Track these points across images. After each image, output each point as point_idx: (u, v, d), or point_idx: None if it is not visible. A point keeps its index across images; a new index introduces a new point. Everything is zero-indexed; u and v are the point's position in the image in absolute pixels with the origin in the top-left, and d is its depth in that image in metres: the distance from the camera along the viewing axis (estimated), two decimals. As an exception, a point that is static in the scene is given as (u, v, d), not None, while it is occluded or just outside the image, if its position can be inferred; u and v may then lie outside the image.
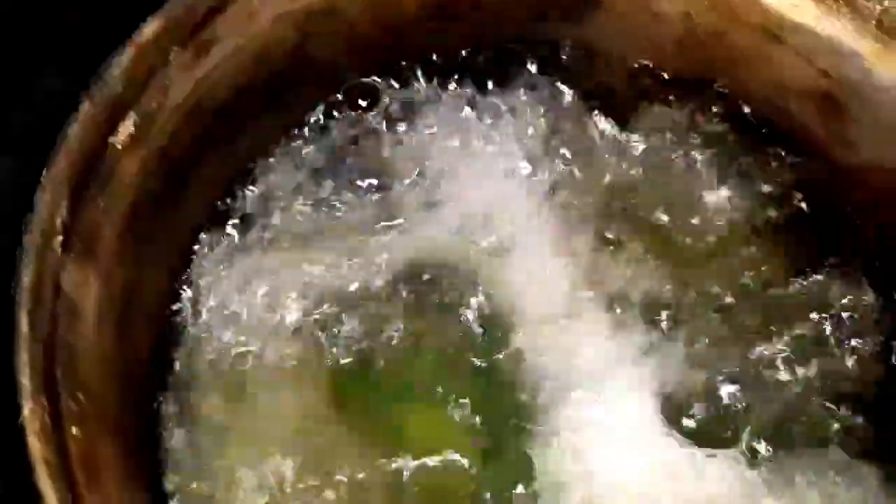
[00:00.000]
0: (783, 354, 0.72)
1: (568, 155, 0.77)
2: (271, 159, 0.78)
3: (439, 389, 0.71)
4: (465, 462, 0.69)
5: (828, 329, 0.72)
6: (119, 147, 0.65)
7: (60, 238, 0.61)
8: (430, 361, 0.72)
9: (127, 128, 0.65)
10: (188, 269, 0.75)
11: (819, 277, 0.74)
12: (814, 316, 0.73)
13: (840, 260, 0.74)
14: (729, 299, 0.73)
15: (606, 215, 0.76)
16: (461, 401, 0.70)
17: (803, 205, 0.77)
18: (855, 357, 0.72)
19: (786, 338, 0.72)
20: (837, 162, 0.75)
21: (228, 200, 0.76)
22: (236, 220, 0.76)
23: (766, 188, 0.77)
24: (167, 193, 0.70)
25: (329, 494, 0.68)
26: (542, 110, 0.78)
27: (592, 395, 0.70)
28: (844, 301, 0.73)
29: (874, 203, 0.74)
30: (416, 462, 0.68)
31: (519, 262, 0.74)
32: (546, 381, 0.70)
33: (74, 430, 0.59)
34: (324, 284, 0.75)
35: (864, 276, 0.74)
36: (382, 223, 0.76)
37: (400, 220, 0.76)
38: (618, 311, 0.73)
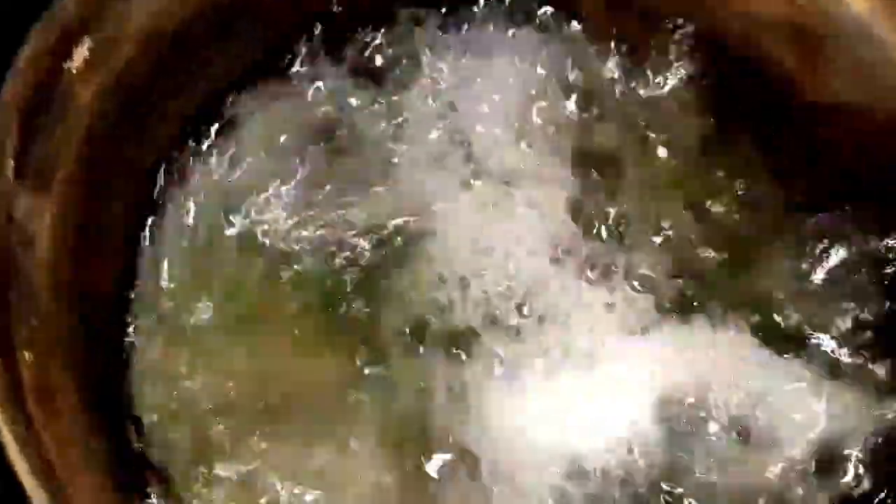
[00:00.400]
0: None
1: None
2: (242, 94, 0.76)
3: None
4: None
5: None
6: (74, 72, 0.64)
7: (12, 164, 0.61)
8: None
9: (82, 53, 0.64)
10: (154, 202, 0.74)
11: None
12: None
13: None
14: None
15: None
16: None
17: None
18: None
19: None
20: (808, 100, 0.74)
21: (196, 134, 0.75)
22: (205, 154, 0.75)
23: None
24: (127, 124, 0.69)
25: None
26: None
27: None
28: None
29: (838, 143, 0.74)
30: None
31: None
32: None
33: (27, 354, 0.58)
34: (292, 222, 0.74)
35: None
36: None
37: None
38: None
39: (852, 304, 0.72)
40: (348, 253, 0.73)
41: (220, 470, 0.68)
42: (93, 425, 0.65)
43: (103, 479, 0.63)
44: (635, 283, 0.72)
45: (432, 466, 0.69)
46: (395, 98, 0.77)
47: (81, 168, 0.66)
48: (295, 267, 0.73)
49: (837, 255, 0.73)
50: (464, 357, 0.70)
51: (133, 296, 0.72)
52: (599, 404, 0.70)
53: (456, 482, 0.68)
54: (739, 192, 0.75)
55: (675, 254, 0.74)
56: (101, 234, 0.70)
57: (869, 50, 0.70)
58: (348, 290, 0.72)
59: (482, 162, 0.75)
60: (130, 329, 0.71)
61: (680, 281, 0.73)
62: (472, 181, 0.75)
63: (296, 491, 0.68)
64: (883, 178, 0.72)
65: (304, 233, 0.74)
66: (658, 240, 0.74)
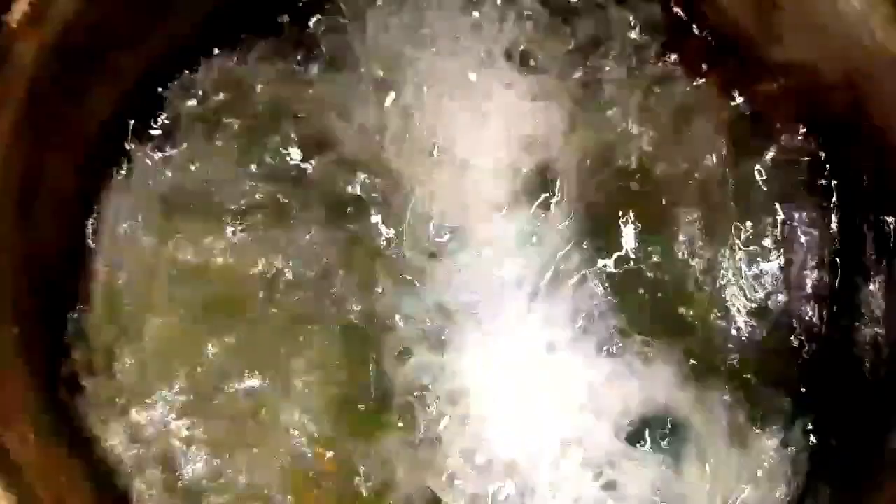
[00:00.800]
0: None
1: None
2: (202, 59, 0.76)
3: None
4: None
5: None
6: (14, 27, 0.63)
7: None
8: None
9: (21, 6, 0.63)
10: (105, 161, 0.74)
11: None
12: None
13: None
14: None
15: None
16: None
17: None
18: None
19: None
20: (762, 57, 0.74)
21: (147, 94, 0.75)
22: (156, 114, 0.75)
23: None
24: (71, 82, 0.68)
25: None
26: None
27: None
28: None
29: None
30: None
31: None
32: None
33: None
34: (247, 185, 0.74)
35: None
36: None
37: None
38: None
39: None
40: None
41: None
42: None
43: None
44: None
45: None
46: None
47: (21, 123, 0.65)
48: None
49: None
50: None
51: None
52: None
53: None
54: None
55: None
56: (47, 194, 0.69)
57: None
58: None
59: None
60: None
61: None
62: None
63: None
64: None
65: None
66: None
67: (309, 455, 0.70)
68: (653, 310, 0.72)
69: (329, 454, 0.70)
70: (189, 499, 0.70)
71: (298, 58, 0.75)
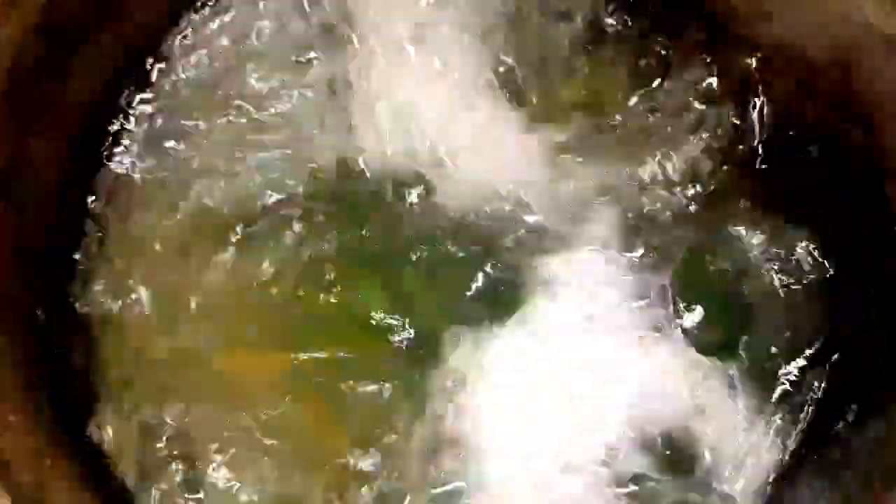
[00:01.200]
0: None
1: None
2: (179, 36, 0.75)
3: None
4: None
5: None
6: (-5, 5, 0.62)
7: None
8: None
9: (2, -16, 0.62)
10: (91, 147, 0.73)
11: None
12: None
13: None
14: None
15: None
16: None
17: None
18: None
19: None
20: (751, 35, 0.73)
21: (131, 76, 0.74)
22: (141, 95, 0.74)
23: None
24: (54, 64, 0.67)
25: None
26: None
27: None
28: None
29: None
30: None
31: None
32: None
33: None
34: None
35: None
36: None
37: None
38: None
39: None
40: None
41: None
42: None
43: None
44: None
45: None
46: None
47: (2, 107, 0.64)
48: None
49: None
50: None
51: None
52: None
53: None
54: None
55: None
56: (32, 178, 0.68)
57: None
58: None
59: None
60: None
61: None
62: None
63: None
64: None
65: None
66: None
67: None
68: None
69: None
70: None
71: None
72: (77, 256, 0.72)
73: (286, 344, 0.70)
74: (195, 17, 0.75)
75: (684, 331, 0.70)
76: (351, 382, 0.69)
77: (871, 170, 0.69)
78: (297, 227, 0.72)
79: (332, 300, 0.70)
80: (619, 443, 0.69)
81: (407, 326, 0.70)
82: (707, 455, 0.69)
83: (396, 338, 0.70)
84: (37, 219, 0.69)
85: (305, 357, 0.70)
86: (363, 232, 0.71)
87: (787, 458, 0.70)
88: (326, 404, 0.69)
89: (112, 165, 0.74)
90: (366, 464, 0.68)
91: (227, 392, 0.70)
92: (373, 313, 0.70)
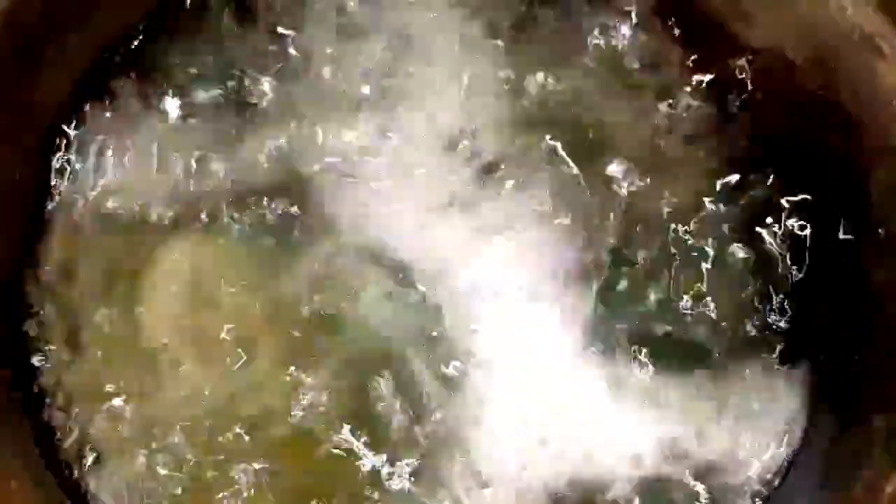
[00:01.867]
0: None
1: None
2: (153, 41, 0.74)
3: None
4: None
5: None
6: (-45, 8, 0.61)
7: None
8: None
9: (-38, -13, 0.61)
10: (58, 150, 0.72)
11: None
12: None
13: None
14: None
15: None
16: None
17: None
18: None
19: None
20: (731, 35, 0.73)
21: (101, 77, 0.73)
22: (112, 99, 0.73)
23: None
24: (20, 66, 0.66)
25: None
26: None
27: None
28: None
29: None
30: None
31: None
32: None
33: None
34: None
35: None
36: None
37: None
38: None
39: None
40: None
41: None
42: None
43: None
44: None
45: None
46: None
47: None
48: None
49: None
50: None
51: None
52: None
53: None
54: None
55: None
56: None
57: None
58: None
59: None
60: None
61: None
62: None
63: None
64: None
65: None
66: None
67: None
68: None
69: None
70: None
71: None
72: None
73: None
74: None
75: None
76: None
77: (852, 170, 0.68)
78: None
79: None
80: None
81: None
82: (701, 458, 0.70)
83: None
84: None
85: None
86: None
87: (780, 461, 0.71)
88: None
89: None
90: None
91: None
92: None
